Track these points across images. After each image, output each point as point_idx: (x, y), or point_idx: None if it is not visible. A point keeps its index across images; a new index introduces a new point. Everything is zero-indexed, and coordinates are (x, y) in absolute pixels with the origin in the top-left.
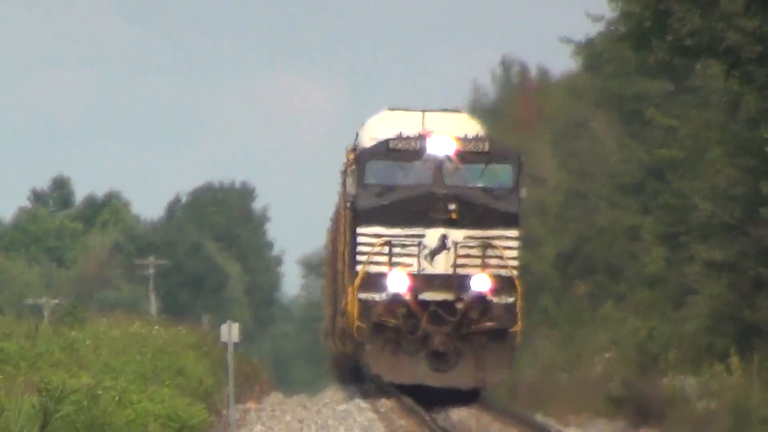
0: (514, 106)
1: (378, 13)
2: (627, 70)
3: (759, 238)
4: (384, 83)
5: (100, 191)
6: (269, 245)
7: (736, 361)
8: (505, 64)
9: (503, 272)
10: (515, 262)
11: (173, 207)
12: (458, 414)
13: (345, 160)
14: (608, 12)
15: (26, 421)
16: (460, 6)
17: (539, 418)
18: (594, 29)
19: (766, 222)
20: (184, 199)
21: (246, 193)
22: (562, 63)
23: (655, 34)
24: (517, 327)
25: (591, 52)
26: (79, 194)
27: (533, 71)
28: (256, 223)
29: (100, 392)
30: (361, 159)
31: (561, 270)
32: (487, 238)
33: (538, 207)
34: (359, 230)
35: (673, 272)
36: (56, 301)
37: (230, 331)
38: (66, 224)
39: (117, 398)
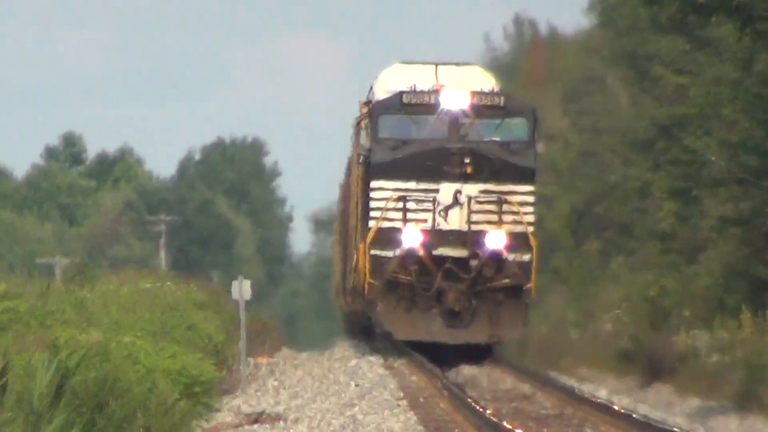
0: (525, 63)
1: None
2: (640, 25)
3: None
4: (394, 40)
5: (112, 148)
6: (280, 201)
7: (748, 316)
8: (518, 22)
9: (518, 228)
10: (531, 218)
11: (185, 164)
12: (470, 370)
13: (358, 113)
14: None
15: (39, 378)
16: None
17: (551, 374)
18: None
19: None
20: (196, 156)
21: (257, 149)
22: (575, 20)
23: None
24: (532, 284)
25: (604, 6)
26: (91, 151)
27: (544, 28)
28: (267, 178)
29: (111, 350)
30: (374, 112)
31: (573, 227)
32: (503, 193)
33: (549, 164)
34: (372, 184)
35: (684, 228)
36: (68, 260)
37: (241, 288)
38: (78, 181)
39: (127, 354)
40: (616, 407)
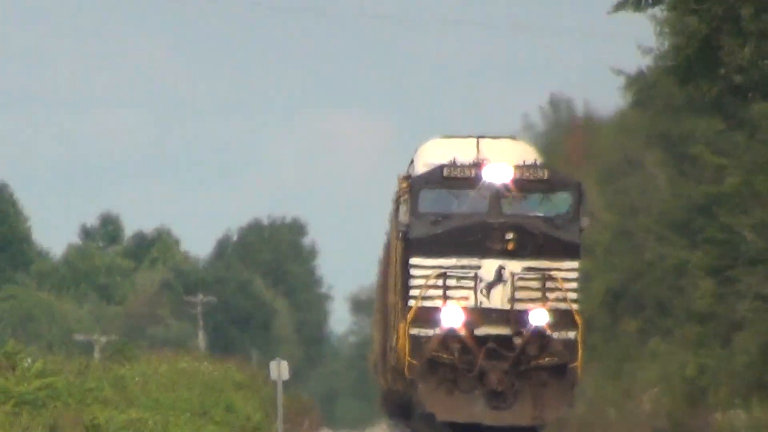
0: (562, 143)
1: (422, 51)
2: (676, 105)
3: None
4: (430, 118)
5: (148, 228)
6: (318, 281)
7: None
8: (553, 102)
9: (562, 306)
10: (575, 295)
11: (223, 244)
12: None
13: (397, 188)
14: (656, 44)
15: None
16: (506, 41)
17: None
18: (644, 62)
19: None
20: (233, 237)
21: (296, 229)
22: (611, 100)
23: (701, 67)
24: (578, 363)
25: (640, 86)
26: (128, 231)
27: (581, 108)
28: (305, 259)
29: (150, 429)
30: (414, 186)
31: (610, 307)
32: (547, 269)
33: (586, 244)
34: (412, 261)
35: (721, 306)
36: (106, 338)
37: (279, 369)
38: (116, 261)
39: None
40: None
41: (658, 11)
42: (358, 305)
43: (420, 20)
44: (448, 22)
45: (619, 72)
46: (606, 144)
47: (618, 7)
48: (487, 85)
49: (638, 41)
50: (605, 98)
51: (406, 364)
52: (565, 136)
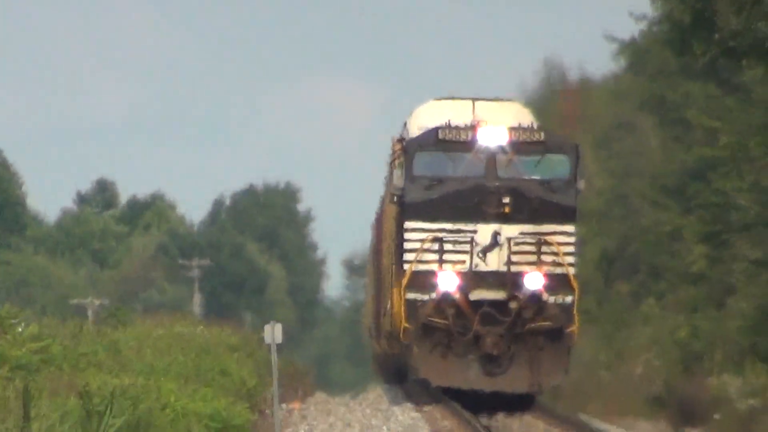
0: (557, 107)
1: (417, 15)
2: (670, 70)
3: None
4: (425, 82)
5: (143, 193)
6: (313, 247)
7: None
8: (548, 66)
9: (559, 270)
10: (572, 259)
11: (217, 208)
12: (501, 414)
13: (391, 151)
14: (651, 12)
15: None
16: (501, 7)
17: (582, 418)
18: (637, 28)
19: None
20: (227, 201)
21: (290, 194)
22: (605, 65)
23: (695, 34)
24: (574, 327)
25: (634, 51)
26: (123, 196)
27: (575, 74)
28: (299, 224)
29: (142, 394)
30: (409, 150)
31: (603, 271)
32: (543, 233)
33: (580, 208)
34: (407, 225)
35: (715, 271)
36: (100, 302)
37: (273, 332)
38: (110, 226)
39: (158, 399)
40: None
41: None
42: (353, 269)
43: None
44: None
45: (613, 38)
46: (600, 108)
47: None
48: (481, 51)
49: (631, 8)
50: (599, 64)
51: (401, 328)
52: (559, 101)
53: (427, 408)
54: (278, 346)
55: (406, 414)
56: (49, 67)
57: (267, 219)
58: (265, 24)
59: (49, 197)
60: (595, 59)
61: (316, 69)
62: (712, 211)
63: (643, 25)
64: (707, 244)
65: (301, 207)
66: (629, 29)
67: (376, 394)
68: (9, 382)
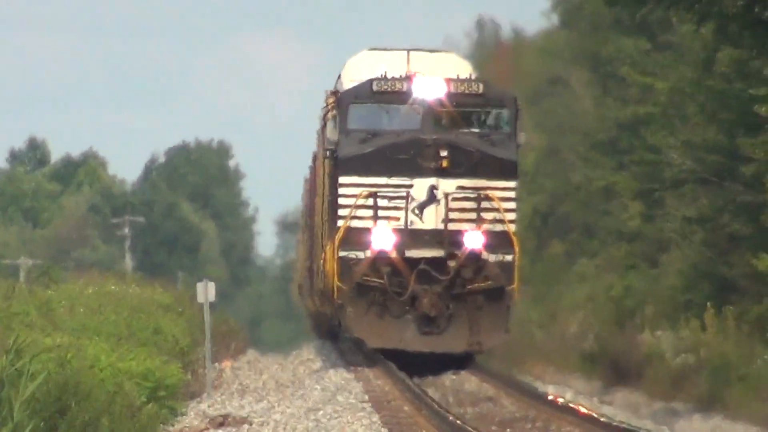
0: (489, 66)
1: None
2: (602, 25)
3: (735, 193)
4: (356, 40)
5: (76, 152)
6: (244, 204)
7: (712, 316)
8: (480, 25)
9: (499, 227)
10: (513, 216)
11: (149, 167)
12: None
13: (325, 104)
14: None
15: None
16: None
17: (515, 375)
18: None
19: (747, 176)
20: (160, 159)
21: (222, 152)
22: (537, 23)
23: None
24: (514, 285)
25: (566, 7)
26: (55, 155)
27: (507, 31)
28: (231, 181)
29: (70, 354)
30: (342, 102)
31: (536, 229)
32: (483, 189)
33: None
34: (341, 180)
35: (649, 228)
36: (32, 261)
37: (206, 290)
38: (42, 184)
39: (90, 358)
40: (580, 409)
41: None
42: (285, 227)
43: None
44: None
45: None
46: (532, 65)
47: None
48: (412, 7)
49: None
50: (531, 22)
51: (335, 287)
52: (491, 57)
53: (360, 367)
54: (211, 304)
55: (338, 373)
56: None
57: (200, 177)
58: None
59: None
60: (528, 17)
61: (248, 26)
62: (646, 168)
63: None
64: (640, 201)
65: (233, 164)
66: None
67: (309, 352)
68: None
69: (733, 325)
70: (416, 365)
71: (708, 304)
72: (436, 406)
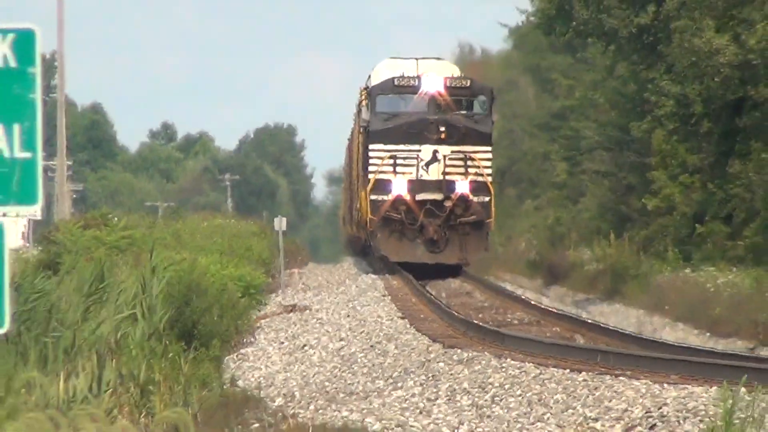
0: (466, 73)
1: (358, 9)
2: (541, 47)
3: (628, 156)
4: (377, 54)
5: (194, 131)
6: (305, 165)
7: (614, 238)
8: (461, 46)
9: (480, 179)
10: (489, 171)
11: (243, 141)
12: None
13: (359, 95)
14: (530, 6)
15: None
16: (424, 2)
17: (485, 278)
18: (520, 18)
19: (635, 146)
20: (250, 136)
21: (291, 131)
22: (498, 43)
23: (558, 22)
24: (491, 219)
25: (518, 35)
26: (180, 133)
27: (478, 50)
28: (296, 150)
29: (191, 264)
30: (372, 93)
31: (497, 181)
32: (468, 152)
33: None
34: (371, 147)
35: (572, 180)
36: (166, 204)
37: (281, 223)
38: (172, 153)
39: (204, 267)
40: (528, 299)
41: None
42: (332, 180)
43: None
44: None
45: (504, 25)
46: (495, 72)
47: None
48: (412, 34)
49: (516, 4)
50: (495, 43)
51: (368, 219)
52: (468, 67)
53: (382, 275)
54: (283, 232)
55: (368, 277)
56: (132, 37)
57: (276, 148)
58: (276, 17)
59: (131, 134)
60: (492, 39)
61: (309, 46)
62: (569, 141)
63: (523, 17)
64: (566, 162)
65: (298, 139)
66: (515, 18)
67: (348, 264)
68: (106, 257)
69: (628, 244)
70: (422, 273)
71: (611, 230)
72: (432, 298)
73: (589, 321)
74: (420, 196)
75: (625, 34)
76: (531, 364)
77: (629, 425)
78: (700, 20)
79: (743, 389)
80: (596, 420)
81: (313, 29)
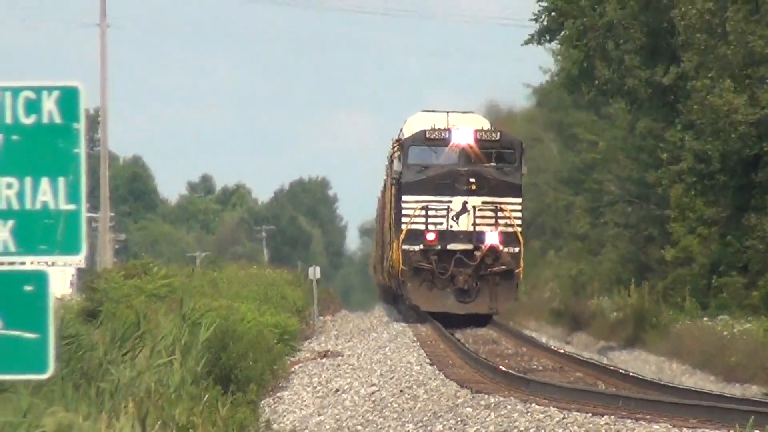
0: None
1: (389, 67)
2: (564, 104)
3: (649, 209)
4: (405, 109)
5: (231, 183)
6: (339, 218)
7: (634, 287)
8: (489, 104)
9: (510, 229)
10: (519, 221)
11: (278, 193)
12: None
13: (391, 147)
14: (553, 66)
15: (175, 333)
16: (454, 62)
17: (510, 325)
18: (544, 78)
19: (655, 199)
20: (285, 188)
21: (324, 184)
22: (522, 101)
23: (581, 81)
24: (520, 269)
25: (541, 93)
26: (218, 185)
27: (504, 109)
28: (330, 203)
29: (230, 311)
30: (405, 145)
31: (523, 232)
32: (498, 203)
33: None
34: (403, 198)
35: (594, 232)
36: (204, 254)
37: (315, 272)
38: (210, 205)
39: (241, 314)
40: (552, 347)
41: (554, 45)
42: (364, 232)
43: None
44: (407, 51)
45: (528, 85)
46: (520, 128)
47: (527, 42)
48: (440, 92)
49: (540, 64)
50: (520, 101)
51: (399, 269)
52: (495, 124)
53: (411, 320)
54: (317, 281)
55: (398, 325)
56: (172, 92)
57: (310, 200)
58: (311, 73)
59: (171, 185)
60: (518, 98)
61: (339, 102)
62: (592, 193)
63: (548, 76)
64: (589, 215)
65: (331, 192)
66: (539, 78)
67: (379, 312)
68: (146, 305)
69: (648, 293)
70: (451, 322)
71: (632, 279)
72: (461, 345)
73: (611, 367)
74: (451, 246)
75: (645, 94)
76: (555, 408)
77: None
78: (717, 79)
79: None
80: None
81: (346, 85)
